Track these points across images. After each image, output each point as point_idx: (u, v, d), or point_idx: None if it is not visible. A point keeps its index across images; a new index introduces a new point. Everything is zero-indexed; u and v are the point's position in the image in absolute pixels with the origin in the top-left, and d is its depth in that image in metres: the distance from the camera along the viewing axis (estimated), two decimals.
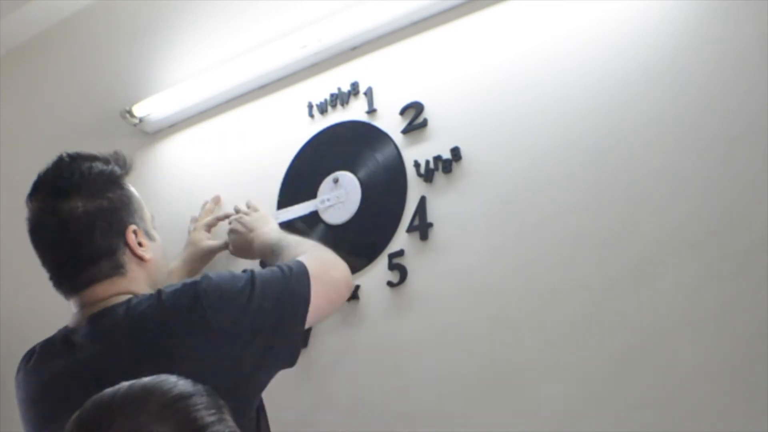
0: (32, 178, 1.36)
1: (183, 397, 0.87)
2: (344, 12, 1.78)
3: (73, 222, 1.31)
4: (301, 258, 1.40)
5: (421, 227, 1.64)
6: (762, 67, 1.36)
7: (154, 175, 2.10)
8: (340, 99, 1.83)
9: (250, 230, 1.68)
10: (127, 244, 1.35)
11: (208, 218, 1.90)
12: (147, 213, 1.45)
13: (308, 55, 1.86)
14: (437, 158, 1.65)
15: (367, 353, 1.57)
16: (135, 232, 1.37)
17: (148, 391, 0.87)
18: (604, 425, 1.38)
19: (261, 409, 1.37)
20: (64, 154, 1.38)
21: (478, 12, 1.67)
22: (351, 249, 1.73)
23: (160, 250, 1.45)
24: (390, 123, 1.74)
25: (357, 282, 1.70)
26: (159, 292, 1.29)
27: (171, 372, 0.98)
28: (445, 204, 1.63)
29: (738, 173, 1.36)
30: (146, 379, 0.90)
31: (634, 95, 1.47)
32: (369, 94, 1.79)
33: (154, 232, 1.44)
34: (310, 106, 1.87)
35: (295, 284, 1.34)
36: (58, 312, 1.40)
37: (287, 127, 1.90)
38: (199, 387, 0.90)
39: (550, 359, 1.46)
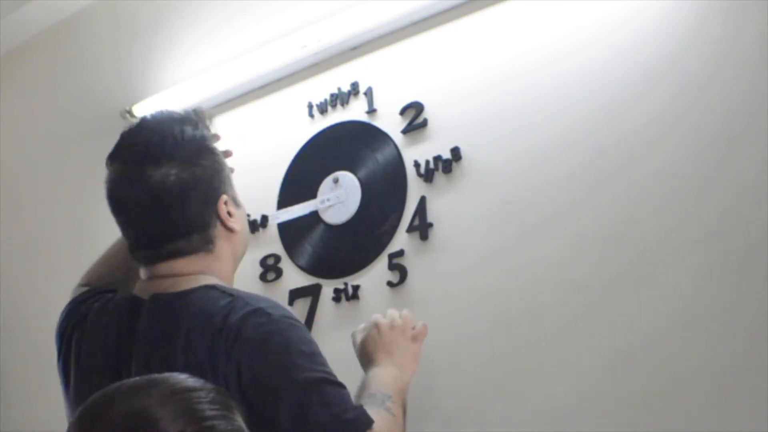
0: (32, 178, 1.35)
1: (188, 390, 0.86)
2: (344, 12, 1.78)
3: (166, 192, 1.21)
4: (375, 415, 1.17)
5: (421, 227, 1.64)
6: (762, 67, 1.36)
7: None
8: (340, 99, 1.83)
9: (384, 347, 1.35)
10: (218, 216, 1.25)
11: None
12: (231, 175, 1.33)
13: (308, 55, 1.86)
14: (437, 158, 1.65)
15: None
16: (226, 202, 1.27)
17: (154, 382, 0.87)
18: (604, 425, 1.38)
19: None
20: (149, 115, 1.28)
21: (478, 12, 1.67)
22: (351, 249, 1.73)
23: (244, 215, 1.34)
24: (390, 123, 1.74)
25: (357, 282, 1.70)
26: (268, 315, 1.16)
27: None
28: (445, 204, 1.63)
29: (738, 173, 1.36)
30: (156, 374, 0.90)
31: (634, 95, 1.47)
32: (369, 94, 1.79)
33: (239, 197, 1.32)
34: (310, 106, 1.87)
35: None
36: (58, 312, 1.40)
37: (287, 127, 1.90)
38: (210, 385, 0.89)
39: (550, 359, 1.46)
